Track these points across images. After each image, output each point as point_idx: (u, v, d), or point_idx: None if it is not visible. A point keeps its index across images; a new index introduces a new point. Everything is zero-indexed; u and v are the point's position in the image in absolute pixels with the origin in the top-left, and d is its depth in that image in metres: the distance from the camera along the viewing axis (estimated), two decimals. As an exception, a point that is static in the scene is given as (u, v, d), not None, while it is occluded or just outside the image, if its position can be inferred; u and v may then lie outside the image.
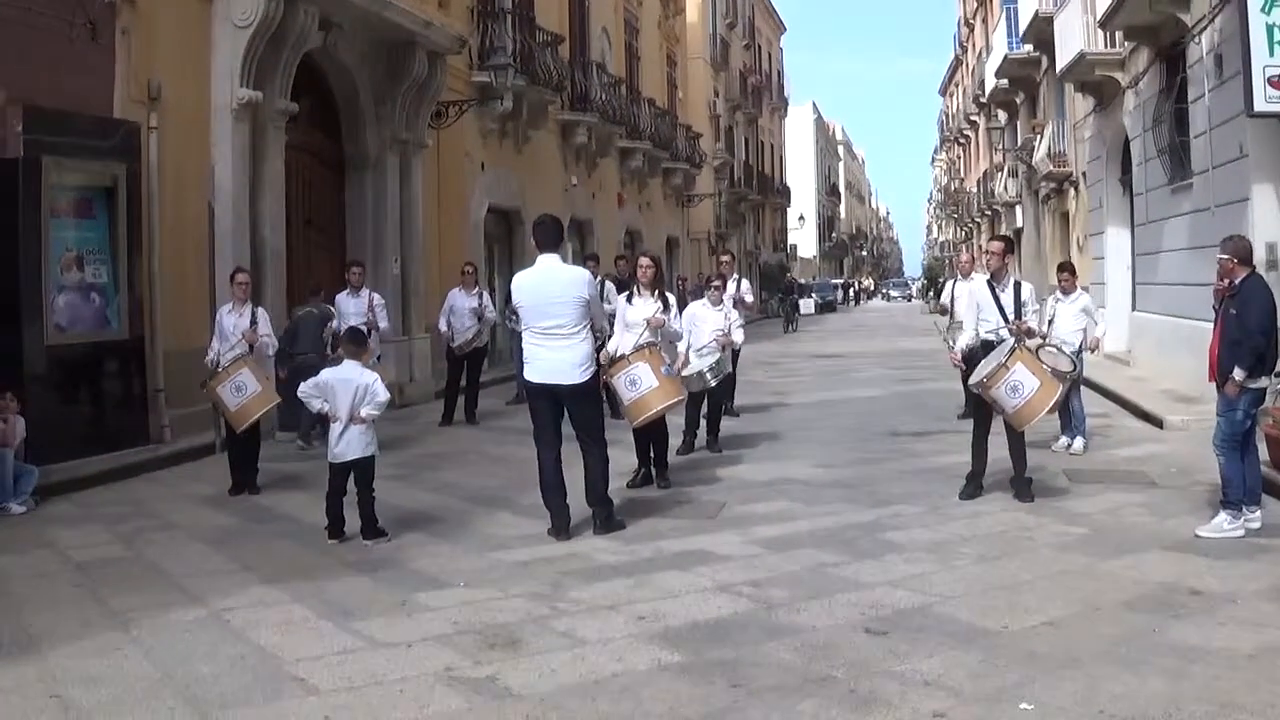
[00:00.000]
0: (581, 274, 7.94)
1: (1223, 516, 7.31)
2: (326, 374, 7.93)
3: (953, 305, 13.61)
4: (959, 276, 14.60)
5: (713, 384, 10.49)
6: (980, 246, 30.47)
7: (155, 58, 12.07)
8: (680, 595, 6.22)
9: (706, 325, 10.90)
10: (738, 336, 11.31)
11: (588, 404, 7.88)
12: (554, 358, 7.63)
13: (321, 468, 8.04)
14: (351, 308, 12.47)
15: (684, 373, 10.21)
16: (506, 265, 22.53)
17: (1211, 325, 7.72)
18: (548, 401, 7.76)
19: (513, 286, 8.01)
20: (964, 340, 9.15)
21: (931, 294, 56.62)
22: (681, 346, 10.14)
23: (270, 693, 4.90)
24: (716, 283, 11.56)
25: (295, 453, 11.73)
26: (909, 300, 79.63)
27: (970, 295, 9.31)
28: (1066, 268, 11.57)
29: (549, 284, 7.70)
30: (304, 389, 7.89)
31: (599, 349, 8.36)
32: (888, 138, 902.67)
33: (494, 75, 20.11)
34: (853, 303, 74.41)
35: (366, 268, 13.86)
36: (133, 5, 11.72)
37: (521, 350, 8.04)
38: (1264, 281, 7.61)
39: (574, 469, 7.83)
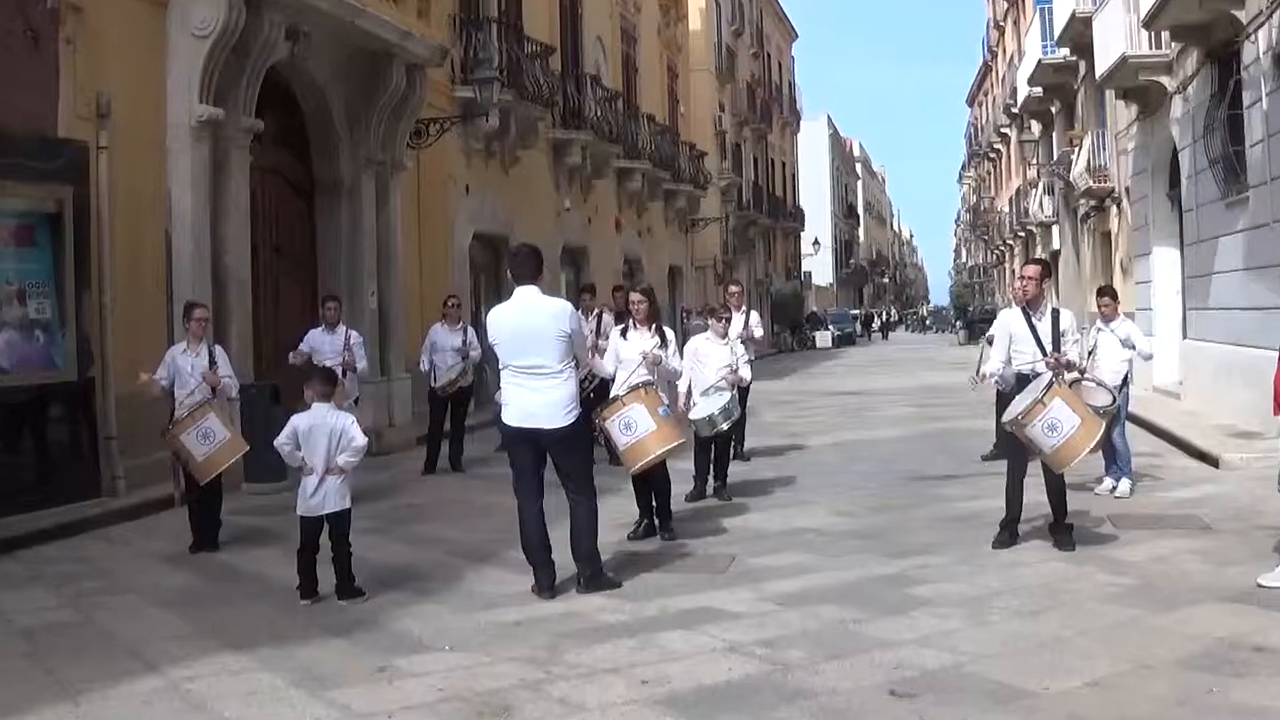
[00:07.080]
0: (564, 307, 7.93)
1: (1287, 564, 7.33)
2: (299, 419, 7.94)
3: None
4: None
5: (724, 427, 10.39)
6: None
7: (104, 70, 12.12)
8: (687, 657, 6.24)
9: (712, 362, 10.84)
10: (746, 373, 11.34)
11: (573, 450, 7.85)
12: (535, 399, 7.63)
13: (290, 521, 8.05)
14: (327, 346, 12.41)
15: (692, 416, 10.22)
16: (494, 297, 22.59)
17: (1275, 353, 7.76)
18: (528, 448, 7.75)
19: (488, 322, 8.01)
20: (990, 367, 9.20)
21: (960, 324, 56.43)
22: (682, 385, 10.17)
23: (235, 769, 4.91)
24: (725, 314, 11.54)
25: (261, 505, 11.73)
26: (923, 331, 78.82)
27: (1005, 325, 9.31)
28: (1107, 292, 11.61)
29: (528, 318, 7.72)
30: (281, 440, 7.90)
31: (588, 385, 8.34)
32: (910, 153, 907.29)
33: (479, 90, 20.20)
34: (880, 335, 74.16)
35: (341, 302, 13.88)
36: (79, 13, 11.75)
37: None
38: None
39: (562, 520, 7.83)
